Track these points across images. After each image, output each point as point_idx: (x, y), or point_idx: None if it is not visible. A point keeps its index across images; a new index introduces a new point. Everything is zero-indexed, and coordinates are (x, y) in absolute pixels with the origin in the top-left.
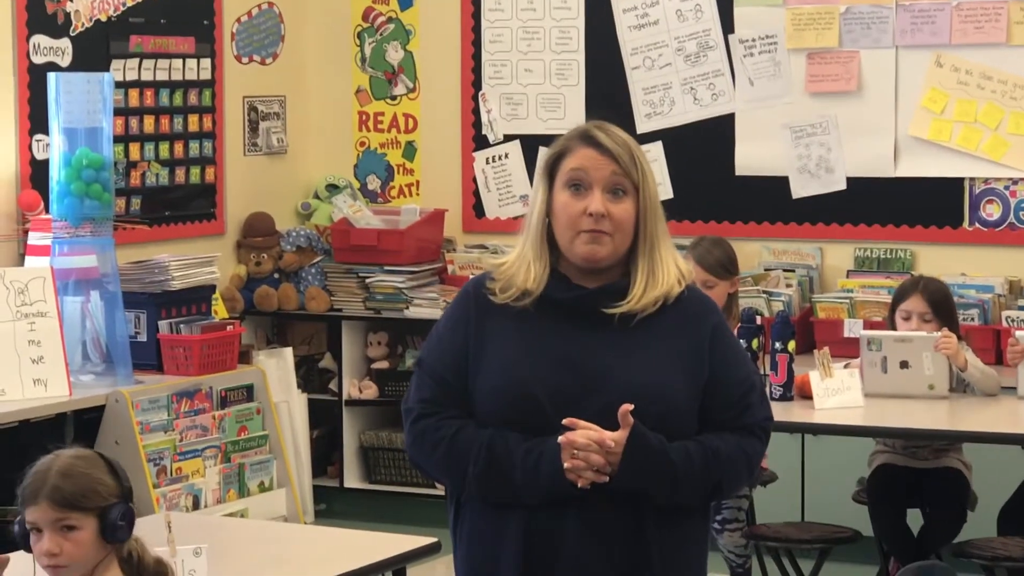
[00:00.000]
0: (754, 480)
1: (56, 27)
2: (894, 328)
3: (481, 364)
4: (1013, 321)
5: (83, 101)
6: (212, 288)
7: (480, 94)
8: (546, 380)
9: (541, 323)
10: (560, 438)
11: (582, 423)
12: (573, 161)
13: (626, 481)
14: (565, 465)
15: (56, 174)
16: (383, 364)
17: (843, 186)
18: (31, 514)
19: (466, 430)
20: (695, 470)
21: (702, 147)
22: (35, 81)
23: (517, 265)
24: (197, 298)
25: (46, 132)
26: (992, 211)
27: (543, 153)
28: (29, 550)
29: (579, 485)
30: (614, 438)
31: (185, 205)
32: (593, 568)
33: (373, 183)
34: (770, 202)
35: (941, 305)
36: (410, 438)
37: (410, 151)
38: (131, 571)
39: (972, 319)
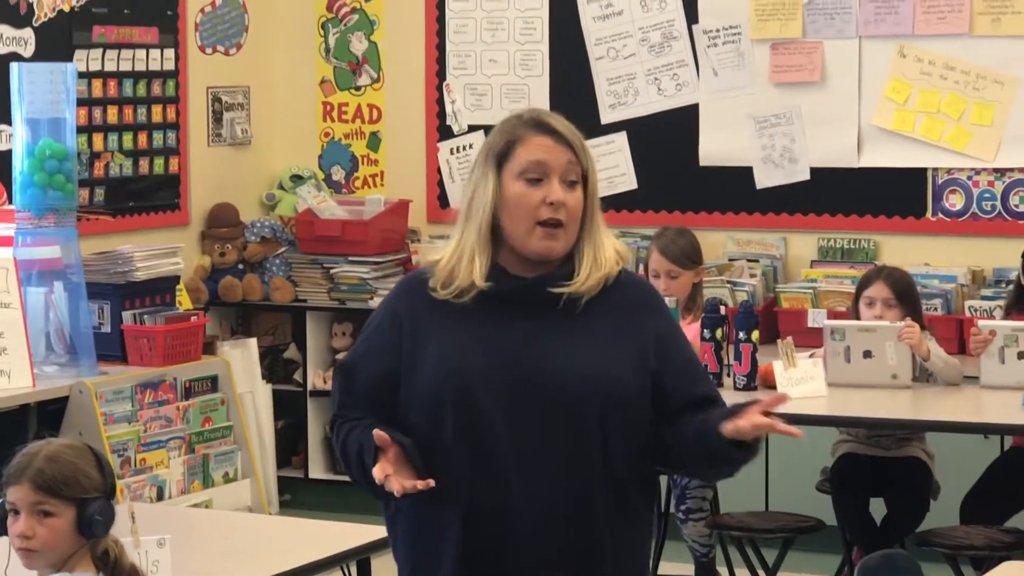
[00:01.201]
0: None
1: (19, 17)
2: (858, 317)
3: (416, 362)
4: (976, 311)
5: (46, 91)
6: (176, 279)
7: (444, 85)
8: (487, 374)
9: (481, 316)
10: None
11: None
12: (529, 151)
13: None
14: (379, 478)
15: (19, 165)
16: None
17: (807, 176)
18: (12, 494)
19: (352, 432)
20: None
21: (666, 138)
22: None
23: (456, 258)
24: (161, 289)
25: (9, 123)
26: (955, 201)
27: (487, 143)
28: (6, 533)
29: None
30: None
31: (149, 196)
32: (541, 562)
33: (337, 174)
34: (734, 192)
35: (904, 292)
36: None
37: (374, 142)
38: (105, 570)
39: (935, 309)
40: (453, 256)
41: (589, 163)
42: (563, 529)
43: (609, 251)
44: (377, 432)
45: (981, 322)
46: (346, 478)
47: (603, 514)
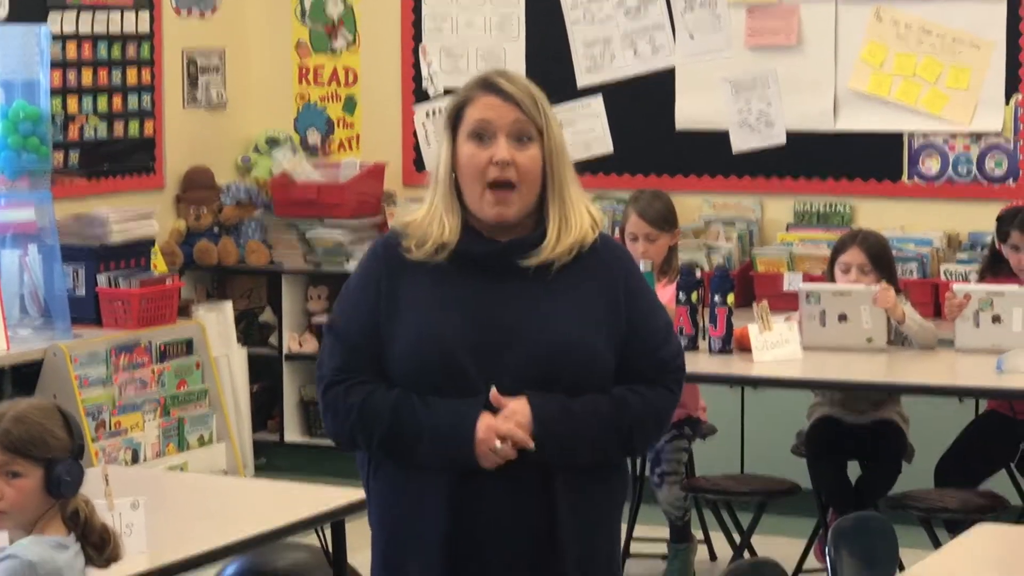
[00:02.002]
0: (694, 432)
1: None
2: (834, 281)
3: (395, 324)
4: (951, 275)
5: (20, 54)
6: (151, 242)
7: (420, 47)
8: (464, 337)
9: (456, 279)
10: (482, 428)
11: (503, 399)
12: (475, 111)
13: (539, 455)
14: (479, 452)
15: None
16: (323, 318)
17: (783, 140)
18: None
19: (375, 395)
20: (604, 423)
21: (642, 101)
22: None
23: (428, 219)
24: (136, 252)
25: None
26: (931, 165)
27: (446, 106)
28: None
29: (485, 467)
30: (520, 422)
31: (124, 159)
32: (511, 529)
33: (313, 137)
34: (710, 156)
35: (879, 257)
36: (322, 407)
37: (350, 105)
38: (76, 530)
39: (911, 273)
40: (426, 218)
41: (546, 120)
42: (530, 490)
43: (583, 213)
44: (495, 394)
45: (956, 286)
46: (321, 442)
47: (572, 475)
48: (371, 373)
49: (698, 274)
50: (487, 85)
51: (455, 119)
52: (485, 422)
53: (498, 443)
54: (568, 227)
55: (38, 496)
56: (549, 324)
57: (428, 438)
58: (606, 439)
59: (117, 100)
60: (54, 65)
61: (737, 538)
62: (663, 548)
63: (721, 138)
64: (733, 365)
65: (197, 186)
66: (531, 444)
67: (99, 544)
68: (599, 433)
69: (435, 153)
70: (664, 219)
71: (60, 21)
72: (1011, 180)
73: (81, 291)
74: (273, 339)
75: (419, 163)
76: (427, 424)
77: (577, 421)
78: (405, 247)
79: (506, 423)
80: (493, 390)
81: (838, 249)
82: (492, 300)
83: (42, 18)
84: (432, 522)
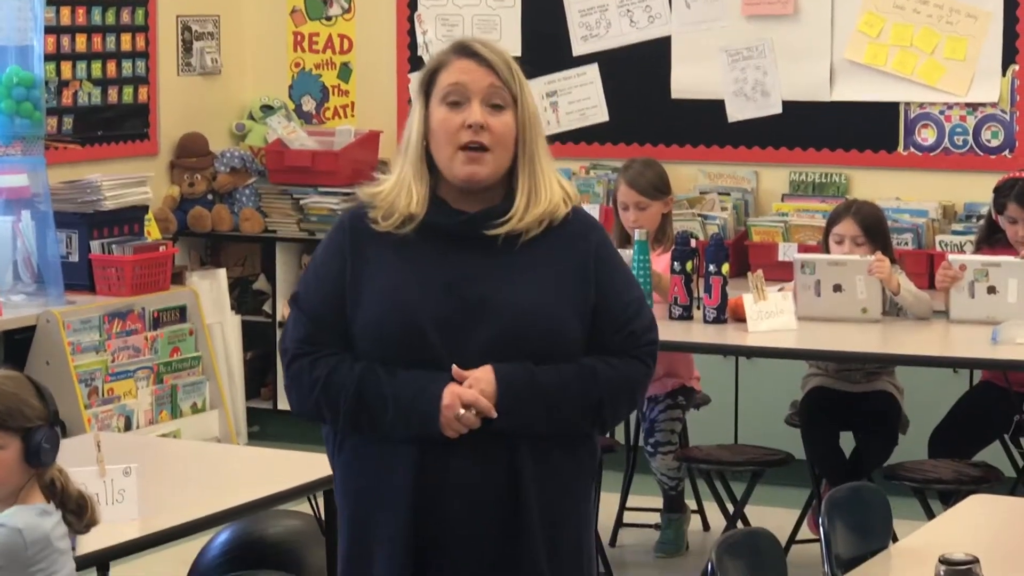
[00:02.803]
0: (687, 402)
1: None
2: (828, 252)
3: (360, 296)
4: (947, 246)
5: (13, 19)
6: (145, 208)
7: (416, 15)
8: (430, 309)
9: (423, 250)
10: (447, 395)
11: (466, 373)
12: (450, 75)
13: (503, 424)
14: (443, 419)
15: None
16: None
17: (779, 110)
18: None
19: (340, 368)
20: (571, 393)
21: (638, 70)
22: None
23: (396, 190)
24: (130, 218)
25: None
26: (927, 136)
27: (419, 73)
28: None
29: (448, 436)
30: (484, 390)
31: (118, 125)
32: (476, 502)
33: (308, 104)
34: (706, 125)
35: (873, 228)
36: (287, 381)
37: (345, 72)
38: (54, 499)
39: (906, 243)
40: (393, 189)
41: (520, 89)
42: (495, 459)
43: (553, 186)
44: (456, 369)
45: (951, 256)
46: None
47: (537, 445)
48: (335, 346)
49: (693, 243)
50: (462, 49)
51: (428, 84)
52: (450, 390)
53: (461, 411)
54: (537, 198)
55: (18, 467)
56: (515, 296)
57: (392, 408)
58: (572, 408)
59: (111, 66)
60: (48, 30)
61: (731, 508)
62: (656, 518)
63: (717, 107)
64: (727, 335)
65: (191, 153)
66: (494, 413)
67: (77, 511)
68: (565, 402)
69: (408, 122)
70: (654, 187)
71: None
72: (1007, 151)
73: (74, 257)
74: (267, 307)
75: None
76: (391, 394)
77: (542, 390)
78: (371, 218)
79: (470, 391)
80: (455, 368)
81: (832, 220)
82: (458, 272)
83: None
84: (399, 492)
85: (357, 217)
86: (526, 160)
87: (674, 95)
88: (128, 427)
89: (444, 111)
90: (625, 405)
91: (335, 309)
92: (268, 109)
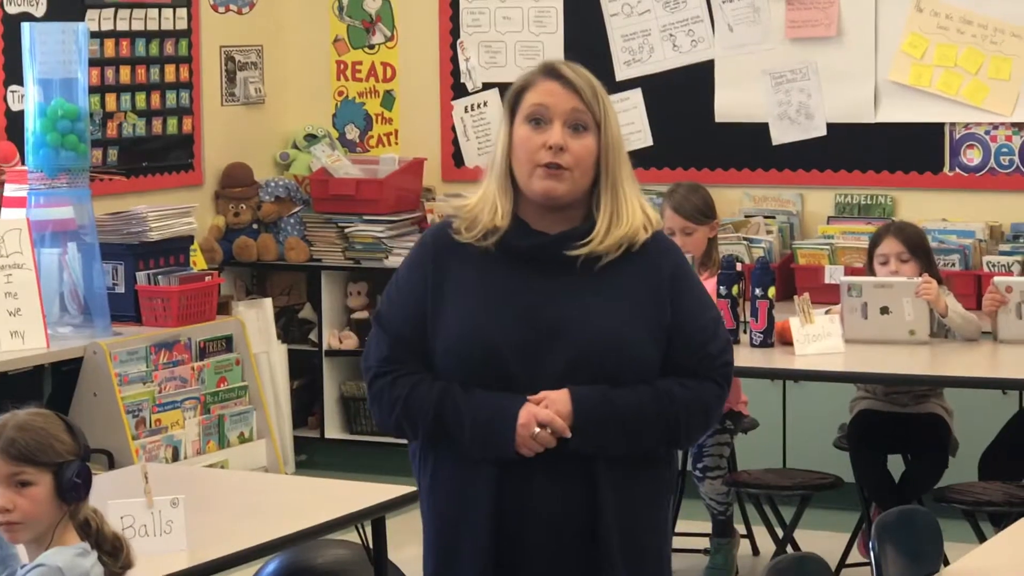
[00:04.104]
0: (735, 427)
1: None
2: (873, 275)
3: (441, 315)
4: (994, 266)
5: (58, 51)
6: (190, 239)
7: (458, 42)
8: (508, 332)
9: (502, 270)
10: (523, 414)
11: (542, 395)
12: (534, 95)
13: (579, 444)
14: (519, 438)
15: (31, 125)
16: (363, 314)
17: (823, 132)
18: None
19: (420, 387)
20: (647, 414)
21: (682, 94)
22: (9, 31)
23: (481, 204)
24: (175, 249)
25: (21, 83)
26: (972, 156)
27: (508, 91)
28: None
29: (524, 454)
30: (559, 410)
31: (162, 156)
32: (556, 524)
33: (352, 132)
34: (750, 149)
35: (916, 244)
36: (370, 398)
37: (388, 100)
38: (88, 539)
39: (953, 264)
40: (479, 202)
41: (604, 112)
42: (572, 480)
43: (635, 210)
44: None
45: (997, 278)
46: (362, 438)
47: (616, 467)
48: (416, 364)
49: (739, 267)
50: (549, 71)
51: (514, 103)
52: (526, 409)
53: (536, 429)
54: (619, 221)
55: (51, 504)
56: (593, 319)
57: (470, 428)
58: (648, 430)
59: (155, 97)
60: (92, 63)
61: (780, 532)
62: (706, 543)
63: (761, 130)
64: (775, 358)
65: (236, 183)
66: (568, 432)
67: (112, 552)
68: (641, 424)
69: (494, 139)
70: (700, 212)
71: (98, 19)
72: None
73: (120, 288)
74: (313, 335)
75: (458, 158)
76: (468, 415)
77: (618, 411)
78: (455, 228)
79: (545, 411)
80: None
81: (874, 243)
82: (537, 294)
83: (80, 16)
84: (480, 511)
85: (440, 231)
86: (608, 183)
87: (718, 119)
88: (176, 458)
89: (527, 130)
90: (700, 426)
91: (415, 327)
92: (312, 138)
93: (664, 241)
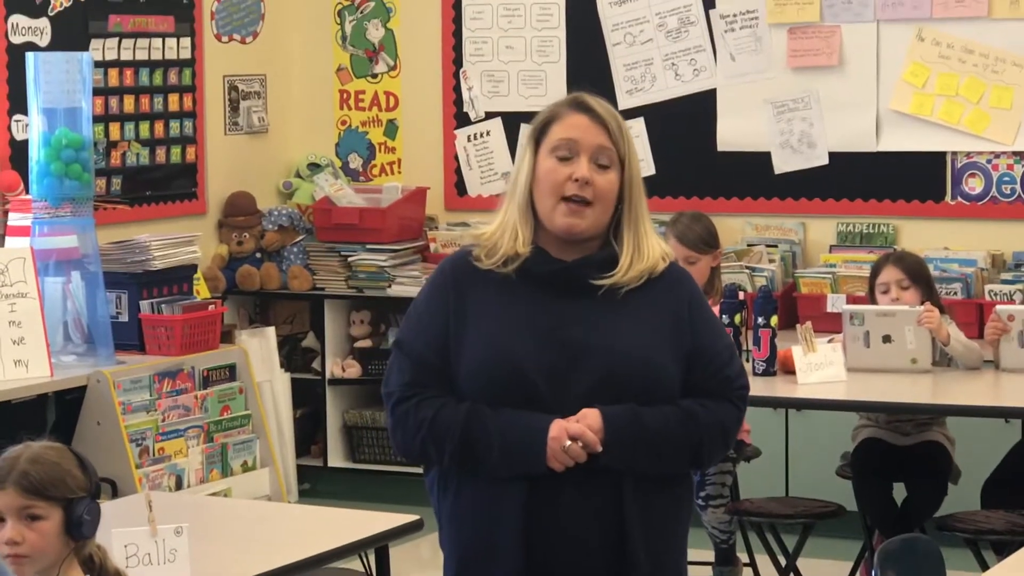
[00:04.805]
0: (738, 455)
1: (34, 7)
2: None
3: (464, 340)
4: (996, 295)
5: (62, 81)
6: (194, 268)
7: (461, 72)
8: (534, 355)
9: (524, 295)
10: (554, 428)
11: (573, 417)
12: (562, 128)
13: (608, 460)
14: (550, 451)
15: (35, 154)
16: (366, 343)
17: (825, 161)
18: None
19: (445, 409)
20: (673, 433)
21: (684, 123)
22: (14, 61)
23: (500, 232)
24: (179, 278)
25: (25, 112)
26: (974, 185)
27: (532, 121)
28: None
29: (554, 468)
30: (590, 425)
31: (166, 185)
32: (584, 540)
33: (355, 161)
34: (752, 178)
35: (917, 272)
36: (392, 423)
37: (391, 129)
38: (92, 574)
39: (955, 293)
40: (498, 230)
41: (628, 149)
42: (600, 496)
43: (654, 245)
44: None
45: (999, 307)
46: (365, 467)
47: (642, 484)
48: (439, 388)
49: (741, 296)
50: (577, 104)
51: (540, 134)
52: (557, 423)
53: (568, 442)
54: (640, 255)
55: (58, 539)
56: (618, 342)
57: (499, 445)
58: (675, 448)
59: (159, 126)
60: (96, 92)
61: (783, 561)
62: (708, 572)
63: (763, 159)
64: (777, 387)
65: (239, 211)
66: (599, 447)
67: None
68: (668, 442)
69: (515, 166)
70: (703, 241)
71: (102, 48)
72: None
73: (124, 317)
74: (316, 364)
75: (461, 187)
76: (498, 431)
77: (646, 429)
78: (475, 256)
79: (576, 425)
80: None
81: (875, 272)
82: (560, 318)
83: (84, 46)
84: (508, 531)
85: (460, 259)
86: (632, 219)
87: (720, 148)
88: (179, 486)
89: (552, 162)
90: (720, 446)
91: (438, 352)
92: (315, 167)
93: (679, 270)
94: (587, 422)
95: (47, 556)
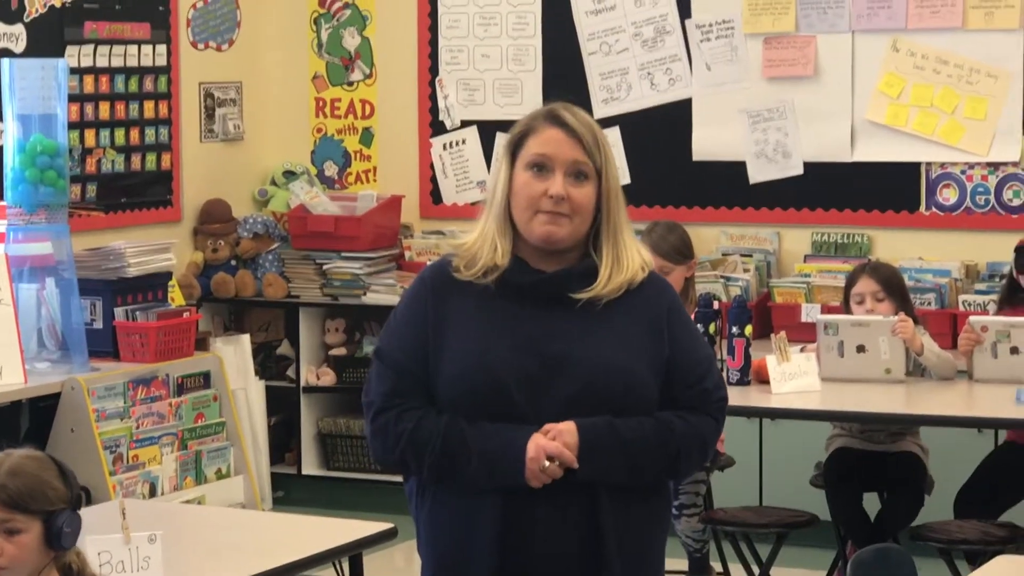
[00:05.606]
0: (711, 464)
1: (10, 13)
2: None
3: (443, 350)
4: (970, 305)
5: (37, 87)
6: (168, 275)
7: (437, 80)
8: (513, 366)
9: (502, 305)
10: (531, 447)
11: (550, 426)
12: (537, 143)
13: (585, 474)
14: (528, 471)
15: (10, 161)
16: (341, 351)
17: (800, 171)
18: None
19: (425, 420)
20: (650, 445)
21: (659, 132)
22: None
23: (480, 243)
24: (153, 285)
25: (0, 119)
26: (948, 195)
27: (509, 132)
28: None
29: (533, 486)
30: (567, 442)
31: (141, 192)
32: (560, 551)
33: (330, 169)
34: (727, 187)
35: (892, 283)
36: (371, 432)
37: (367, 137)
38: None
39: (929, 303)
40: (477, 241)
41: (604, 160)
42: (576, 509)
43: (634, 255)
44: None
45: (973, 318)
46: (339, 475)
47: (608, 510)
48: (419, 399)
49: (716, 305)
50: (552, 117)
51: (516, 147)
52: (535, 442)
53: (546, 463)
54: (620, 268)
55: (37, 551)
56: (596, 353)
57: (477, 459)
58: (651, 460)
59: (134, 133)
60: (72, 99)
61: (756, 570)
62: None
63: (738, 169)
64: (751, 397)
65: (214, 219)
66: (576, 464)
67: None
68: (644, 454)
69: (492, 177)
70: (677, 251)
71: (78, 55)
72: None
73: (98, 324)
74: (291, 372)
75: (436, 195)
76: (476, 446)
77: (623, 442)
78: (454, 267)
79: (554, 444)
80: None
81: (850, 282)
82: (539, 329)
83: (59, 52)
84: (483, 542)
85: (439, 269)
86: (610, 231)
87: (695, 157)
88: (153, 493)
89: (528, 176)
90: (697, 458)
91: (418, 362)
92: (291, 175)
93: (659, 280)
94: (564, 439)
95: (26, 567)
